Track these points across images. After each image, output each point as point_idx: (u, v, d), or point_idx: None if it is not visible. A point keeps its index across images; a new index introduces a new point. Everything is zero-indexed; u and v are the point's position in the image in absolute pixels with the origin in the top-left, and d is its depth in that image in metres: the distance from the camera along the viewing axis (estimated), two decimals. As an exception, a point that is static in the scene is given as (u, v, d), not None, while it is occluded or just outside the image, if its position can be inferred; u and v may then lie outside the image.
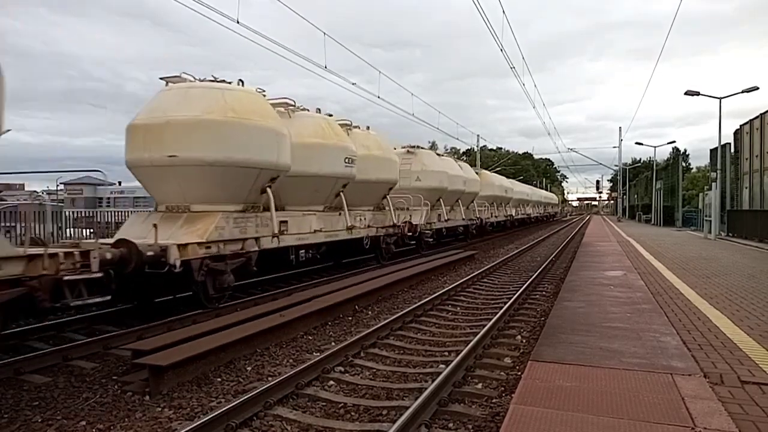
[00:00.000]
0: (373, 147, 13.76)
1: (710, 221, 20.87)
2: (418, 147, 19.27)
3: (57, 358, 5.85)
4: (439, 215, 19.08)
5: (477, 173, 25.57)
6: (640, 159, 78.02)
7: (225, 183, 8.68)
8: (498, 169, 47.79)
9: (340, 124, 12.82)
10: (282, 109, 11.09)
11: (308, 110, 11.87)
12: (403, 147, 18.94)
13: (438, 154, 20.79)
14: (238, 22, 11.48)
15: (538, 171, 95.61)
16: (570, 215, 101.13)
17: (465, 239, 22.93)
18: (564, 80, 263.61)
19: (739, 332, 5.30)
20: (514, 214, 34.37)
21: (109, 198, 30.36)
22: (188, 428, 3.79)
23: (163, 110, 8.48)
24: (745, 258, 12.93)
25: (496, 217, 28.69)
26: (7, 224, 12.65)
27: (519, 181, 49.17)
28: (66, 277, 5.65)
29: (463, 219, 22.00)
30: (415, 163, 18.42)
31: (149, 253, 6.86)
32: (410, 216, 15.85)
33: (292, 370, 5.09)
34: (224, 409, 4.10)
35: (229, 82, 9.21)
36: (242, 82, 9.37)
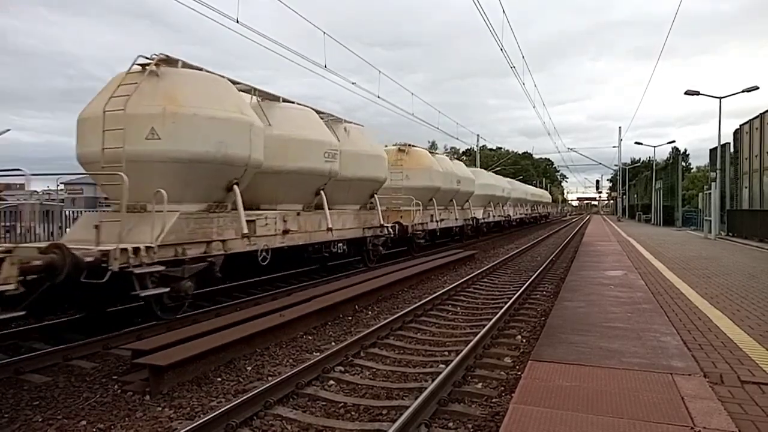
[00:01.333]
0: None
1: (710, 221, 20.88)
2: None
3: (57, 358, 5.85)
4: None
5: (401, 150, 17.86)
6: (640, 159, 78.12)
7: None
8: (498, 168, 47.55)
9: None
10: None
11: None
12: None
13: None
14: (237, 22, 11.47)
15: (537, 171, 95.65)
16: (570, 215, 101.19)
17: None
18: (564, 80, 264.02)
19: (740, 332, 5.30)
20: (480, 217, 24.62)
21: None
22: (188, 428, 3.79)
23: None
24: (745, 258, 12.93)
25: (439, 221, 18.60)
26: (7, 224, 12.59)
27: (519, 180, 48.47)
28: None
29: (324, 229, 11.28)
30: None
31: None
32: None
33: (292, 369, 5.09)
34: (224, 408, 4.10)
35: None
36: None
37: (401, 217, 16.08)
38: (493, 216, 28.07)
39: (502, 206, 30.66)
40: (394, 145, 18.49)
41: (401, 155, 17.60)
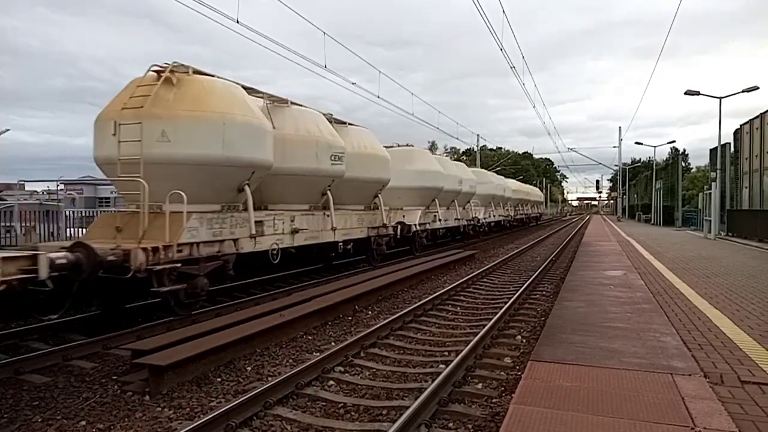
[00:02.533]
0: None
1: (710, 221, 20.88)
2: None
3: (57, 358, 5.85)
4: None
5: (162, 76, 7.87)
6: (640, 159, 78.17)
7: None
8: (498, 168, 47.39)
9: None
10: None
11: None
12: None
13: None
14: (237, 22, 11.48)
15: (538, 171, 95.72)
16: (570, 215, 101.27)
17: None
18: (565, 79, 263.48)
19: (740, 332, 5.30)
20: (416, 222, 16.20)
21: (109, 198, 30.50)
22: (188, 428, 3.79)
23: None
24: (745, 258, 12.93)
25: (289, 233, 9.99)
26: (7, 224, 12.64)
27: (519, 180, 47.76)
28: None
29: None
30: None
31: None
32: None
33: (292, 370, 5.09)
34: (224, 408, 4.09)
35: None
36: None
37: (116, 237, 7.48)
38: (444, 220, 19.19)
39: (462, 206, 21.86)
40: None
41: (158, 88, 7.78)
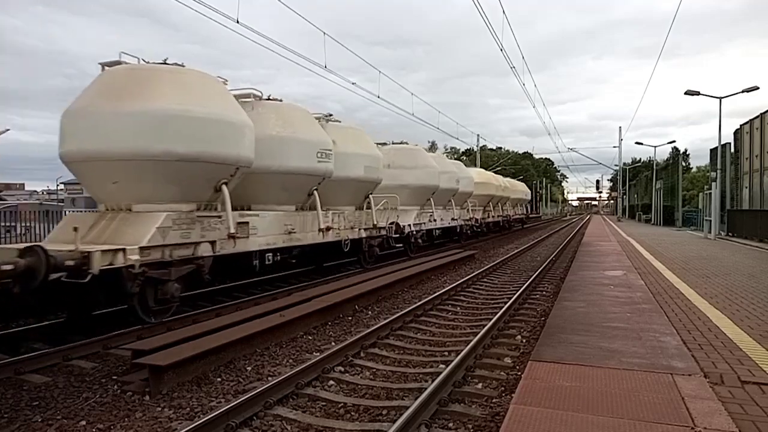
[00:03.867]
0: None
1: (710, 221, 20.88)
2: None
3: (57, 358, 5.85)
4: None
5: None
6: (640, 159, 78.21)
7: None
8: (498, 168, 47.32)
9: None
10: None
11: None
12: None
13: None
14: (237, 22, 11.48)
15: (538, 171, 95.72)
16: (570, 215, 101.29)
17: None
18: (566, 79, 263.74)
19: (740, 332, 5.30)
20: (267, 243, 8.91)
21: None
22: (188, 428, 3.79)
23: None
24: (745, 258, 12.93)
25: None
26: (7, 224, 12.63)
27: (519, 180, 47.50)
28: None
29: None
30: None
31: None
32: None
33: (292, 370, 5.09)
34: (224, 408, 4.09)
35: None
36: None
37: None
38: (290, 234, 9.98)
39: (358, 205, 13.05)
40: None
41: None
